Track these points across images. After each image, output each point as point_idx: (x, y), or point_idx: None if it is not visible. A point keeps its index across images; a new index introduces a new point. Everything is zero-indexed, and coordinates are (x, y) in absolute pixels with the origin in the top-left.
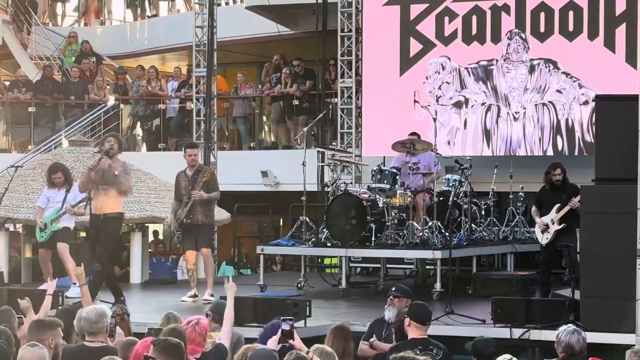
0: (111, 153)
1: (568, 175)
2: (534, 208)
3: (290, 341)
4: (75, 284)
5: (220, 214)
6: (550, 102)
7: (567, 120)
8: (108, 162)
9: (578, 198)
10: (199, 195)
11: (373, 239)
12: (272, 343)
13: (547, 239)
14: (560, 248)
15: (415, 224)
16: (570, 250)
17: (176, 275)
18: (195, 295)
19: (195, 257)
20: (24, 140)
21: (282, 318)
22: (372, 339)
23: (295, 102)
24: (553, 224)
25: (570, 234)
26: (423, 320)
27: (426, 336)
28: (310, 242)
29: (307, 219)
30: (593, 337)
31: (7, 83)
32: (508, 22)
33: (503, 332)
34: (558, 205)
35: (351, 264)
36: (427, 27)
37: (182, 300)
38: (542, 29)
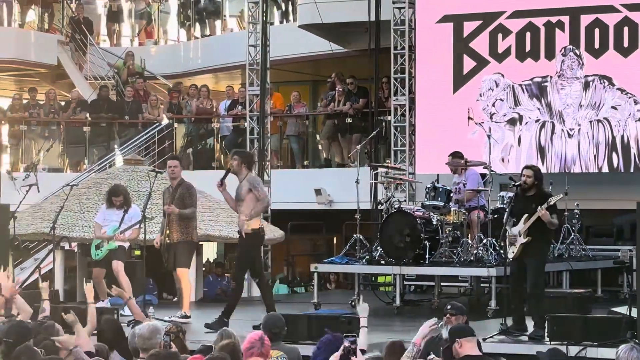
0: None
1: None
2: (505, 215)
3: (353, 358)
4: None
5: (274, 233)
6: (605, 118)
7: (622, 136)
8: None
9: (545, 206)
10: (170, 210)
11: (427, 256)
12: None
13: (512, 252)
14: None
15: (469, 241)
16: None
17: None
18: (185, 316)
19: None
20: (78, 159)
21: (344, 334)
22: (430, 357)
23: (349, 120)
24: (520, 236)
25: (536, 248)
26: (470, 332)
27: (481, 354)
28: (364, 260)
29: (361, 237)
30: None
31: (62, 103)
32: (562, 38)
33: None
34: (526, 215)
35: (405, 282)
36: (480, 44)
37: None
38: (596, 45)
